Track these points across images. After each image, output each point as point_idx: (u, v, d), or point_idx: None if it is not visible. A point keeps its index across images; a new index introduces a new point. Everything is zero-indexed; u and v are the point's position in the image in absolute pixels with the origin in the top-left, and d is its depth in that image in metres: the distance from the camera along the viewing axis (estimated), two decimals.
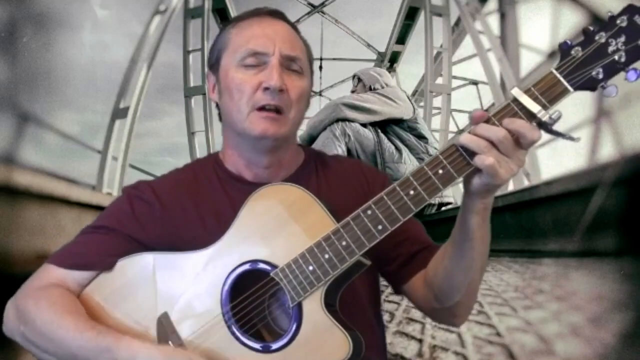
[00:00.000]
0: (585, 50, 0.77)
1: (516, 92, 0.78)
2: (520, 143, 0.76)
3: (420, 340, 2.11)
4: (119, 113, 4.43)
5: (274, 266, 0.84)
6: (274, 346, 0.83)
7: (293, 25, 0.98)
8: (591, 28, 0.77)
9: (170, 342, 0.85)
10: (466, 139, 0.77)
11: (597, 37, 0.77)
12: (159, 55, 4.64)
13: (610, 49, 0.76)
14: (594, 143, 2.61)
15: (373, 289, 1.00)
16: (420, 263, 0.96)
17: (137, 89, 4.47)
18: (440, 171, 0.79)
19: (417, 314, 2.33)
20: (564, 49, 0.78)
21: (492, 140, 0.76)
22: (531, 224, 2.96)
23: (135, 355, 0.80)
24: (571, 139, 0.77)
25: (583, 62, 0.77)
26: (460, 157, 0.78)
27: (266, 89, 0.89)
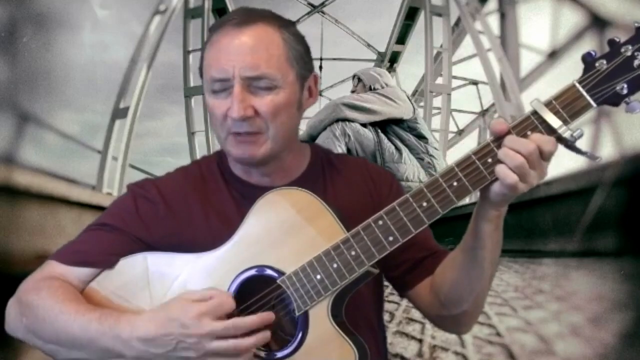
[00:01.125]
0: (610, 64, 0.74)
1: (537, 106, 0.75)
2: (542, 155, 0.74)
3: (420, 340, 2.11)
4: (119, 113, 4.43)
5: (281, 273, 0.84)
6: (279, 354, 0.83)
7: (272, 26, 0.88)
8: (617, 39, 0.74)
9: None
10: (500, 153, 0.74)
11: (623, 50, 0.74)
12: (159, 55, 4.64)
13: (636, 62, 0.73)
14: (594, 143, 2.61)
15: (377, 294, 0.99)
16: (426, 270, 0.94)
17: (137, 89, 4.47)
18: (455, 183, 0.77)
19: (417, 314, 2.33)
20: (588, 61, 0.75)
21: (521, 153, 0.73)
22: (531, 224, 2.96)
23: (136, 327, 0.79)
24: (592, 157, 0.75)
25: (607, 76, 0.74)
26: (476, 170, 0.76)
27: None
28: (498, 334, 2.11)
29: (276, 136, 0.88)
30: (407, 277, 0.95)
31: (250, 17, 0.88)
